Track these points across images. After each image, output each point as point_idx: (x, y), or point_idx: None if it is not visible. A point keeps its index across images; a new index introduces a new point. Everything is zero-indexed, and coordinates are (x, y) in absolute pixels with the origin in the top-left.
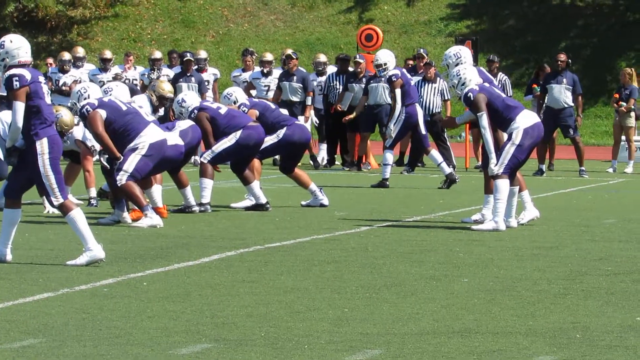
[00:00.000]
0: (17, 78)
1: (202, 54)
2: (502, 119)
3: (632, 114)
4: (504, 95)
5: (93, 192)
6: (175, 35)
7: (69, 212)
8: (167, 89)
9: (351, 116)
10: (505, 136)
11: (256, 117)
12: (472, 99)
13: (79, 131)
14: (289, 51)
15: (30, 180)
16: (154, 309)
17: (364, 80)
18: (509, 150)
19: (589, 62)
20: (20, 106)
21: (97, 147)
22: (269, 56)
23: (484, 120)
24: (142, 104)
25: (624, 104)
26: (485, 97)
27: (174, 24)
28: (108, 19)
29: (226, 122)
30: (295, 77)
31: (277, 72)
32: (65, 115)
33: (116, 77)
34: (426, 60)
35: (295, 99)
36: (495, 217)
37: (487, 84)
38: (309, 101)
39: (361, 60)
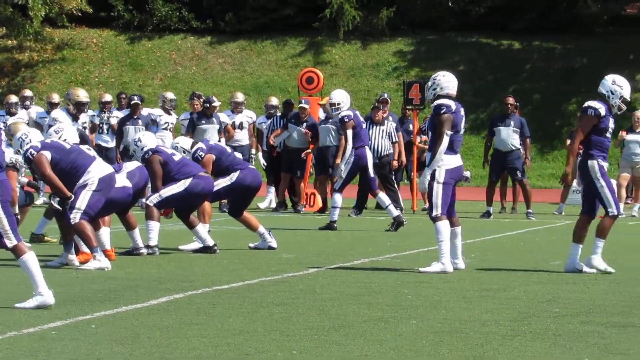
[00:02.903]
0: None
1: (170, 95)
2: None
3: None
4: (462, 132)
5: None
6: (123, 78)
7: (22, 255)
8: (82, 94)
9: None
10: None
11: (213, 161)
12: (441, 113)
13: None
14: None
15: None
16: (102, 351)
17: (304, 125)
18: (438, 190)
19: (538, 106)
20: None
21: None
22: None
23: (447, 140)
24: (57, 116)
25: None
26: (453, 118)
27: (121, 67)
28: (55, 62)
29: (178, 169)
30: (215, 120)
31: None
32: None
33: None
34: (374, 104)
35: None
36: (442, 259)
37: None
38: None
39: (306, 106)
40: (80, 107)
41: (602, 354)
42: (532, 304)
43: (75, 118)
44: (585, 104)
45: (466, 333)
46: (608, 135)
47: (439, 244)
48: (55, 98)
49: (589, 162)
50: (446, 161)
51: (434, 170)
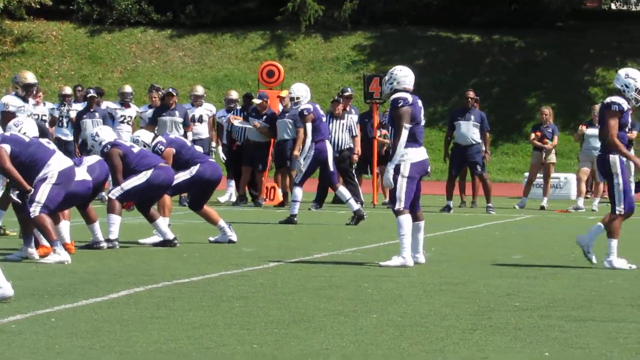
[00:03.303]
0: None
1: (128, 89)
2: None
3: (554, 151)
4: (422, 123)
5: None
6: (82, 71)
7: None
8: (29, 76)
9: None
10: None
11: (173, 154)
12: (399, 106)
13: None
14: (170, 88)
15: None
16: (62, 345)
17: (264, 117)
18: (402, 184)
19: (498, 100)
20: None
21: None
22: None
23: (405, 135)
24: (8, 101)
25: (550, 141)
26: (412, 111)
27: (81, 60)
28: (15, 55)
29: (137, 161)
30: (177, 112)
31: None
32: None
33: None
34: (334, 98)
35: (177, 133)
36: (402, 253)
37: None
38: (189, 136)
39: (258, 101)
40: (29, 89)
41: (562, 348)
42: (493, 297)
43: (25, 100)
44: (608, 100)
45: (426, 327)
46: (627, 130)
47: (400, 237)
48: (67, 90)
49: (611, 157)
50: (411, 155)
51: (399, 164)
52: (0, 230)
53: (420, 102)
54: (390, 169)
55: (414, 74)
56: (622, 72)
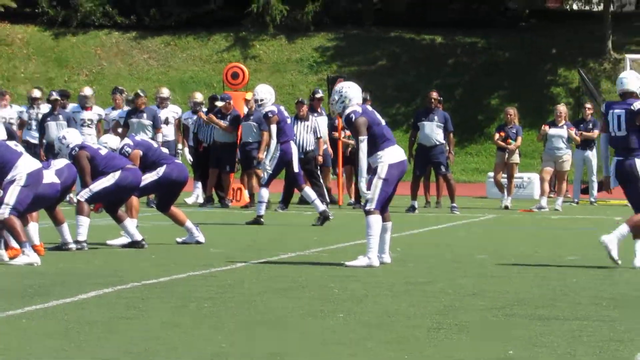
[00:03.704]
0: None
1: (87, 91)
2: (372, 145)
3: (517, 151)
4: (383, 123)
5: None
6: (49, 74)
7: None
8: None
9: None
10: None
11: (140, 156)
12: (353, 120)
13: None
14: (138, 90)
15: None
16: (33, 346)
17: (228, 117)
18: (377, 185)
19: (461, 101)
20: None
21: None
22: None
23: (365, 145)
24: None
25: (513, 142)
26: (366, 121)
27: (47, 63)
28: None
29: (105, 163)
30: (145, 115)
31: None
32: None
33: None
34: (298, 99)
35: (145, 136)
36: (369, 253)
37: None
38: (159, 137)
39: (221, 103)
40: None
41: (527, 346)
42: (458, 297)
43: None
44: (636, 105)
45: (392, 326)
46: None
47: (368, 237)
48: (37, 93)
49: (637, 161)
50: (388, 156)
51: (376, 167)
52: None
53: (369, 107)
54: (362, 182)
55: (376, 75)
56: (633, 74)
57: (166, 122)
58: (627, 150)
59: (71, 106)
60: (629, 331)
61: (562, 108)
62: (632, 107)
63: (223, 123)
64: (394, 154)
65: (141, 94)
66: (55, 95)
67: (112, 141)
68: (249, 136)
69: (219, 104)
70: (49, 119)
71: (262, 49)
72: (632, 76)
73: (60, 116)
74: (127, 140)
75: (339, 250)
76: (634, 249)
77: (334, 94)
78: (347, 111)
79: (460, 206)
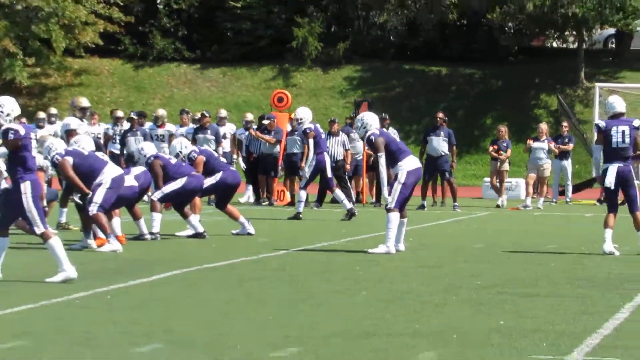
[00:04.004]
0: (13, 131)
1: (161, 112)
2: (392, 159)
3: (507, 161)
4: (398, 139)
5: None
6: (129, 98)
7: (48, 239)
8: (83, 101)
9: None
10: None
11: (203, 162)
12: (373, 140)
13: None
14: (204, 111)
15: (16, 214)
16: (116, 317)
17: (272, 133)
18: (397, 188)
19: (462, 120)
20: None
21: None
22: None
23: (383, 160)
24: (69, 122)
25: (504, 153)
26: (384, 140)
27: (128, 89)
28: (75, 86)
29: (174, 170)
30: (209, 131)
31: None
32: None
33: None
34: (331, 119)
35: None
36: (387, 243)
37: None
38: (220, 150)
39: (267, 122)
40: (84, 111)
41: (515, 318)
42: (459, 278)
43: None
44: (636, 122)
45: (406, 301)
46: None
47: (387, 230)
48: (119, 113)
49: (632, 166)
50: (406, 164)
51: (397, 173)
52: (65, 226)
53: (385, 129)
54: (385, 194)
55: (394, 100)
56: (618, 99)
57: (224, 136)
58: (625, 158)
59: (148, 124)
60: (596, 305)
61: (543, 126)
62: (633, 124)
63: (269, 137)
64: (411, 163)
65: (206, 114)
66: (134, 115)
67: (186, 145)
68: (294, 148)
69: (266, 122)
70: (129, 134)
71: (302, 78)
72: (619, 100)
73: (138, 132)
74: (194, 148)
75: (363, 240)
76: (604, 236)
77: (357, 121)
78: (368, 134)
79: (461, 205)
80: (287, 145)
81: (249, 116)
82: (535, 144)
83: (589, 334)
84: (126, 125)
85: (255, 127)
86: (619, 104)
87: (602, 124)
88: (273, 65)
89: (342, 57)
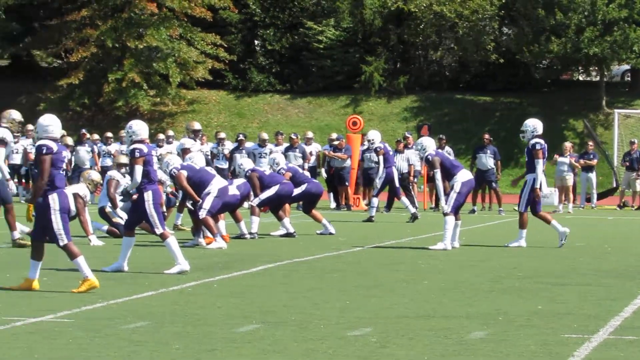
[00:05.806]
0: (138, 150)
1: (264, 136)
2: (448, 174)
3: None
4: (451, 158)
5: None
6: (232, 122)
7: (166, 238)
8: (195, 125)
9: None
10: (448, 185)
11: (290, 177)
12: (430, 160)
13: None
14: (292, 134)
15: (140, 218)
16: (221, 302)
17: (343, 150)
18: (453, 197)
19: (504, 140)
20: (138, 169)
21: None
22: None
23: (439, 174)
24: (184, 142)
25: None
26: (439, 159)
27: (231, 115)
28: (188, 112)
29: (269, 180)
30: (297, 149)
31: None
32: (94, 175)
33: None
34: (397, 139)
35: (297, 163)
36: (445, 241)
37: (440, 150)
38: (306, 165)
39: (337, 142)
40: (196, 133)
41: (550, 303)
42: (503, 270)
43: (194, 140)
44: None
45: (460, 289)
46: None
47: (445, 230)
48: (222, 135)
49: None
50: (460, 177)
51: (453, 184)
52: (180, 227)
53: (441, 149)
54: (443, 204)
55: (448, 124)
56: None
57: (311, 154)
58: None
59: (250, 144)
60: (618, 292)
61: (567, 144)
62: None
63: (340, 155)
64: (465, 175)
65: (294, 137)
66: (241, 137)
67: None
68: (370, 163)
69: (335, 142)
70: (236, 152)
71: (372, 105)
72: None
73: (243, 150)
74: (284, 165)
75: (424, 239)
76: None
77: (416, 144)
78: (426, 154)
79: (505, 210)
80: (364, 162)
81: (333, 136)
82: (561, 159)
83: (612, 317)
84: (229, 144)
85: (328, 146)
86: None
87: None
88: (347, 95)
89: (403, 88)
